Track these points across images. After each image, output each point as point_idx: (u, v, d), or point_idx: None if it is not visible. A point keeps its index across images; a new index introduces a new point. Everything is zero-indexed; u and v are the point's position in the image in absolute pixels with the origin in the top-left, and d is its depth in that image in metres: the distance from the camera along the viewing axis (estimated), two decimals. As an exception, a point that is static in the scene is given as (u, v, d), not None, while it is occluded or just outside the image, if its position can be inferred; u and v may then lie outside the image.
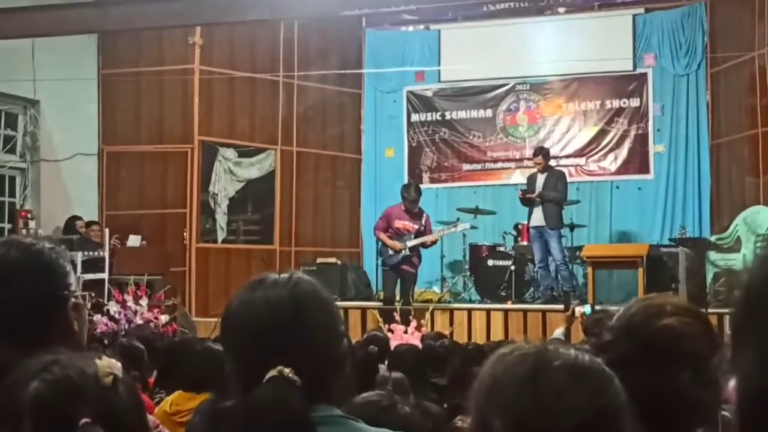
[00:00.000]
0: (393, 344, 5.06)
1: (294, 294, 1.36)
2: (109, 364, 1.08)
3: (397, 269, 8.59)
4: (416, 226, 8.61)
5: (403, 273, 8.59)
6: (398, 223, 8.63)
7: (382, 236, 8.69)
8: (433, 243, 8.65)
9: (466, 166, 11.16)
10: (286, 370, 1.25)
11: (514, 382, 1.04)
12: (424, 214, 8.71)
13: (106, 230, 8.72)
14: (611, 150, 10.53)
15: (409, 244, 8.56)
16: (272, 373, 1.25)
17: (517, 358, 1.07)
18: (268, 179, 10.70)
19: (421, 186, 10.94)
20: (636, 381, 1.16)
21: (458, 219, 9.57)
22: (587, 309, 5.77)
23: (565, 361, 1.07)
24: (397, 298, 8.49)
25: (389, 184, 10.75)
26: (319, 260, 10.18)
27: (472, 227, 9.66)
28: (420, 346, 5.20)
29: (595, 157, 10.58)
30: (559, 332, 5.46)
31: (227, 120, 10.40)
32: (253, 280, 1.40)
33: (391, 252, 8.59)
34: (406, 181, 9.79)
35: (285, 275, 1.40)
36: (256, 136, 10.62)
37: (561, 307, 6.96)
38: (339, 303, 9.25)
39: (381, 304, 8.72)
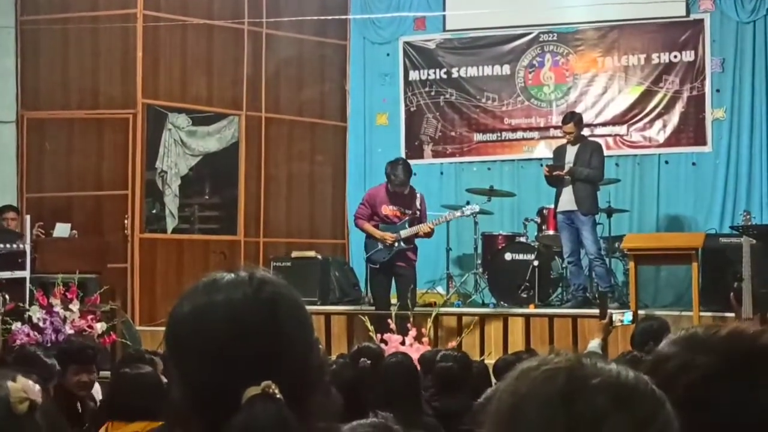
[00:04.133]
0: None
1: (262, 296, 1.36)
2: (25, 387, 1.07)
3: (389, 267, 8.59)
4: (409, 211, 8.61)
5: (398, 271, 8.59)
6: (385, 209, 8.63)
7: (367, 227, 8.68)
8: (428, 234, 8.63)
9: (477, 137, 11.16)
10: (272, 387, 1.26)
11: (542, 404, 1.04)
12: (418, 195, 8.70)
13: (27, 217, 8.67)
14: (659, 116, 10.53)
15: (404, 233, 8.55)
16: (254, 391, 1.26)
17: (545, 375, 1.06)
18: (230, 153, 10.68)
19: (423, 161, 11.02)
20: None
21: (468, 202, 9.55)
22: (627, 316, 5.79)
23: (606, 379, 1.06)
24: (393, 300, 8.50)
25: (382, 158, 10.73)
26: (295, 254, 10.18)
27: (483, 212, 9.65)
28: (418, 361, 5.20)
29: (639, 124, 10.59)
30: (594, 344, 5.47)
31: (178, 79, 10.36)
32: (205, 281, 1.40)
33: (380, 246, 8.58)
34: (396, 157, 9.74)
35: (243, 273, 1.40)
36: (214, 99, 10.59)
37: (596, 312, 6.97)
38: (320, 307, 9.42)
39: (372, 308, 8.72)
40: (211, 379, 1.30)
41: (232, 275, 1.40)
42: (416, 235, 8.65)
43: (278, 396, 1.26)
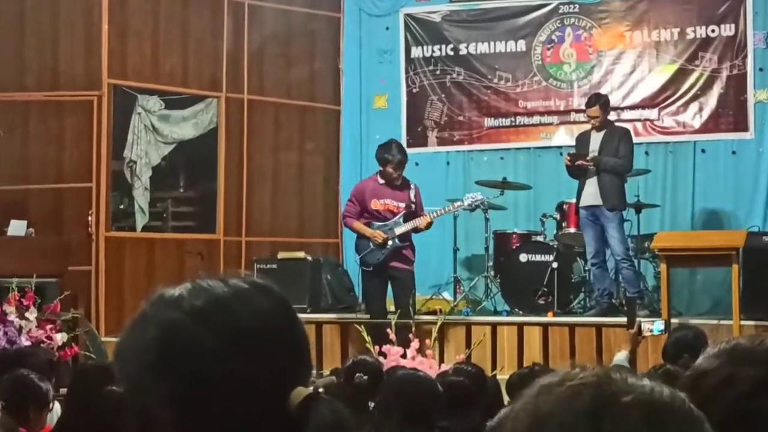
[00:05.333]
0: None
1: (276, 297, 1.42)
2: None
3: (383, 269, 8.59)
4: (402, 205, 8.62)
5: (394, 274, 8.59)
6: (376, 204, 8.62)
7: (357, 225, 8.68)
8: (428, 226, 8.63)
9: (488, 122, 11.16)
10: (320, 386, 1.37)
11: (566, 425, 1.03)
12: (412, 186, 8.71)
13: (-22, 213, 8.67)
14: (694, 98, 10.53)
15: (398, 230, 8.55)
16: (305, 392, 1.33)
17: (569, 392, 1.06)
18: (208, 140, 10.68)
19: (427, 150, 11.02)
20: None
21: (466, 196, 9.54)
22: (658, 325, 5.80)
23: (638, 396, 1.06)
24: (392, 308, 8.50)
25: (380, 146, 10.75)
26: (282, 255, 10.19)
27: (495, 207, 9.66)
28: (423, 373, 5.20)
29: (672, 108, 10.59)
30: (621, 357, 5.48)
31: (150, 56, 10.35)
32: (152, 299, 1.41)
33: (372, 245, 8.58)
34: (387, 140, 9.73)
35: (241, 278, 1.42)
36: (190, 79, 10.58)
37: (623, 321, 6.97)
38: (311, 315, 9.43)
39: (369, 316, 8.72)
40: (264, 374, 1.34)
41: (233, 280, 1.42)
42: (416, 231, 8.64)
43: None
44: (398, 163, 8.54)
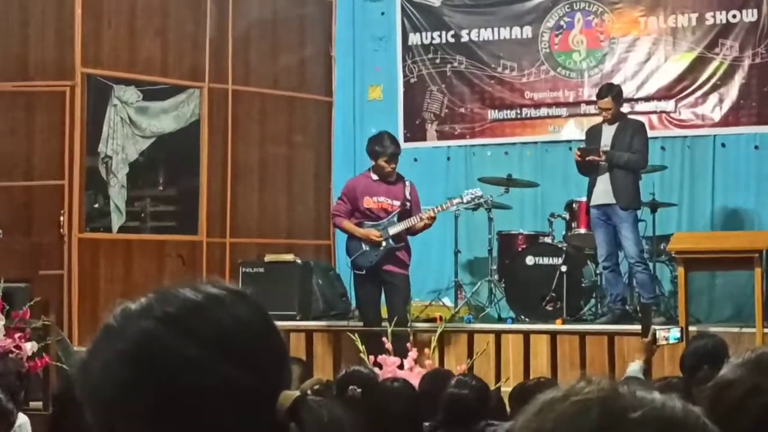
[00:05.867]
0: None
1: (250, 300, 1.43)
2: None
3: (376, 273, 8.59)
4: (397, 203, 8.61)
5: (387, 278, 8.58)
6: (368, 202, 8.62)
7: (348, 225, 8.67)
8: (427, 225, 8.60)
9: (492, 114, 11.17)
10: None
11: (571, 443, 1.03)
12: (407, 183, 8.70)
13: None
14: (714, 89, 10.54)
15: (392, 230, 8.54)
16: (292, 396, 1.34)
17: (574, 408, 1.06)
18: (190, 134, 10.67)
19: (426, 144, 11.01)
20: None
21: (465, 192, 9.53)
22: (674, 333, 5.80)
23: (649, 412, 1.06)
24: (386, 315, 8.50)
25: (375, 141, 10.75)
26: (269, 258, 10.19)
27: (499, 206, 9.64)
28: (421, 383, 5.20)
29: (690, 99, 10.60)
30: (635, 368, 5.49)
31: (126, 43, 10.35)
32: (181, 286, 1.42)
33: (364, 247, 8.57)
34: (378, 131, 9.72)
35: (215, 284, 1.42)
36: (170, 68, 10.58)
37: (637, 328, 6.98)
38: (300, 323, 9.42)
39: (362, 324, 8.72)
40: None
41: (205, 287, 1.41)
42: (409, 231, 8.62)
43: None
44: (391, 155, 8.53)
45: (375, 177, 8.63)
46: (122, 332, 1.38)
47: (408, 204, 8.61)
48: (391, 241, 8.54)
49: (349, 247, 8.74)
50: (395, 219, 8.57)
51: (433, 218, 8.62)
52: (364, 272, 8.60)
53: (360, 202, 8.62)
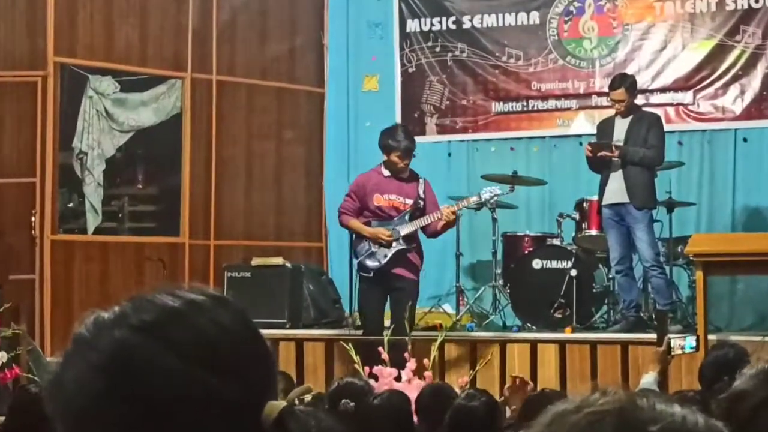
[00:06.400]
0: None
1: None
2: None
3: (384, 276, 8.58)
4: (410, 201, 8.60)
5: (395, 283, 8.57)
6: (378, 199, 8.61)
7: (355, 223, 8.66)
8: (448, 224, 8.54)
9: (497, 106, 11.17)
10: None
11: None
12: (421, 180, 8.68)
13: None
14: (735, 79, 10.54)
15: (403, 231, 8.53)
16: (278, 407, 1.34)
17: (588, 420, 1.06)
18: (171, 128, 10.67)
19: (425, 139, 11.00)
20: None
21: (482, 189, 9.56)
22: (690, 341, 5.80)
23: (668, 425, 1.06)
24: (386, 323, 8.50)
25: (370, 135, 10.72)
26: (256, 261, 10.18)
27: (504, 205, 9.64)
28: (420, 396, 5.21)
29: (709, 90, 10.60)
30: (648, 380, 5.48)
31: (102, 30, 10.34)
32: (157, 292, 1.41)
33: (373, 248, 8.57)
34: (393, 124, 9.74)
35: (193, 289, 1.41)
36: (150, 57, 10.57)
37: (653, 337, 6.98)
38: (290, 331, 9.43)
39: (358, 333, 8.71)
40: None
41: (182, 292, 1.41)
42: (426, 232, 8.57)
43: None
44: (404, 150, 8.49)
45: (386, 173, 8.59)
46: (95, 342, 1.38)
47: (422, 203, 8.56)
48: (401, 241, 8.51)
49: (355, 247, 8.71)
50: (407, 218, 8.54)
51: (455, 213, 8.55)
52: (371, 275, 8.58)
53: (369, 199, 8.59)
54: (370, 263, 8.57)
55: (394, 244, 8.51)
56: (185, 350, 1.33)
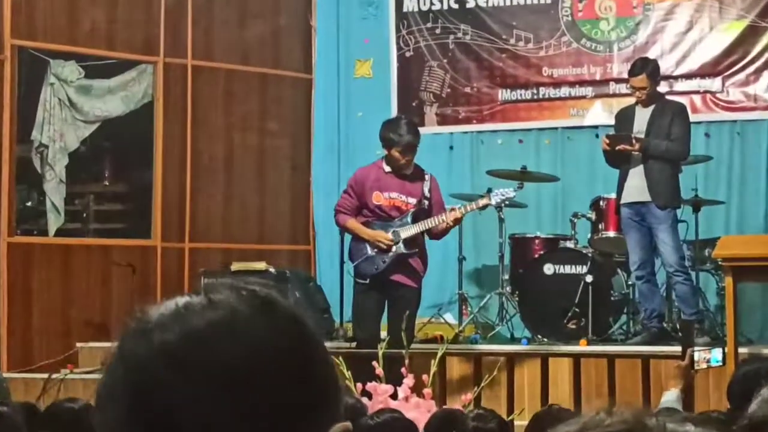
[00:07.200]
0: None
1: (278, 315, 1.40)
2: None
3: (382, 283, 8.58)
4: (413, 200, 8.60)
5: (395, 291, 8.57)
6: (378, 198, 8.60)
7: (353, 224, 8.65)
8: (454, 224, 8.55)
9: (504, 94, 11.17)
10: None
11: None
12: (427, 177, 8.67)
13: None
14: (768, 64, 10.57)
15: (404, 233, 8.53)
16: None
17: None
18: (142, 118, 10.66)
19: (425, 131, 10.91)
20: None
21: (489, 190, 9.57)
22: (716, 354, 5.81)
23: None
24: (383, 334, 8.50)
25: (363, 126, 10.74)
26: (237, 266, 10.18)
27: (513, 204, 9.66)
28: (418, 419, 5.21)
29: (740, 77, 10.60)
30: (671, 397, 5.50)
31: (65, 10, 10.33)
32: (173, 304, 1.40)
33: (370, 251, 8.57)
34: (395, 115, 9.74)
35: (230, 288, 1.43)
36: (118, 40, 10.57)
37: (677, 350, 6.99)
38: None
39: (351, 345, 8.72)
40: None
41: (215, 294, 1.40)
42: (431, 233, 8.58)
43: None
44: (406, 145, 8.47)
45: (388, 169, 8.58)
46: (123, 353, 1.39)
47: (426, 203, 8.54)
48: (402, 245, 8.50)
49: (352, 250, 8.71)
50: (409, 219, 8.52)
51: (459, 220, 8.59)
52: (368, 281, 8.58)
53: (368, 197, 8.56)
54: (366, 269, 8.57)
55: (394, 248, 8.50)
56: (198, 379, 1.32)
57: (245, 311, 1.36)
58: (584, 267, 9.30)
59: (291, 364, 1.35)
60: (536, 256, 9.76)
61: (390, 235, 8.47)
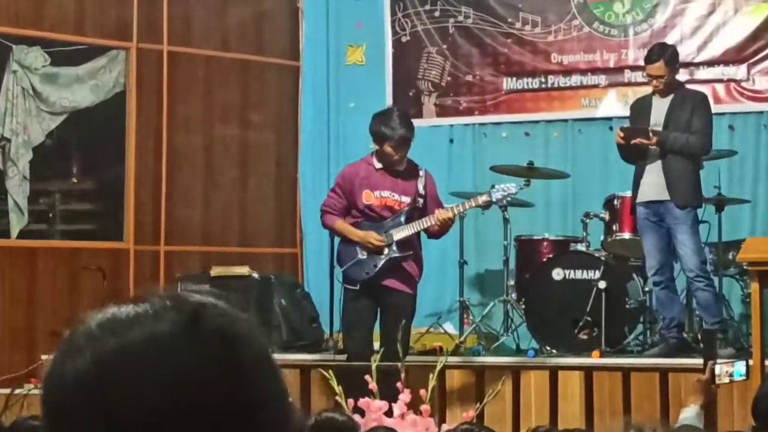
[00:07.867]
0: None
1: (206, 328, 1.40)
2: None
3: (374, 289, 8.60)
4: (406, 199, 8.61)
5: (387, 298, 8.60)
6: (368, 197, 8.62)
7: (341, 225, 8.67)
8: (441, 225, 8.58)
9: (509, 83, 11.19)
10: None
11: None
12: (422, 173, 8.69)
13: None
14: (797, 51, 10.60)
15: (397, 235, 8.55)
16: None
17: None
18: (113, 109, 10.68)
19: (422, 122, 11.02)
20: None
21: (493, 186, 9.58)
22: (739, 368, 5.83)
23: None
24: (375, 346, 8.52)
25: (355, 117, 10.75)
26: (217, 271, 10.19)
27: (518, 203, 9.68)
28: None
29: (766, 64, 10.64)
30: (690, 414, 5.52)
31: (29, -10, 10.36)
32: (103, 315, 1.41)
33: (360, 254, 8.59)
34: (386, 107, 9.74)
35: (160, 299, 1.43)
36: (87, 24, 10.58)
37: (698, 362, 7.01)
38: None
39: (341, 357, 8.73)
40: None
41: (143, 305, 1.41)
42: (429, 233, 8.58)
43: None
44: (400, 140, 8.46)
45: (379, 165, 8.58)
46: (51, 372, 1.41)
47: (421, 201, 8.55)
48: (394, 248, 8.51)
49: (341, 253, 8.72)
50: (402, 220, 8.53)
51: (450, 220, 8.59)
52: (358, 287, 8.59)
53: (357, 196, 8.56)
54: (357, 273, 8.59)
55: (386, 250, 8.51)
56: (122, 407, 1.34)
57: (166, 328, 1.37)
58: (597, 272, 9.32)
59: (213, 383, 1.36)
60: (544, 259, 9.78)
61: (382, 237, 8.48)
